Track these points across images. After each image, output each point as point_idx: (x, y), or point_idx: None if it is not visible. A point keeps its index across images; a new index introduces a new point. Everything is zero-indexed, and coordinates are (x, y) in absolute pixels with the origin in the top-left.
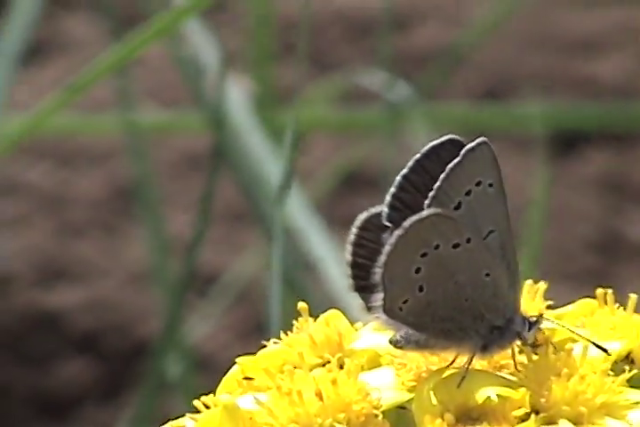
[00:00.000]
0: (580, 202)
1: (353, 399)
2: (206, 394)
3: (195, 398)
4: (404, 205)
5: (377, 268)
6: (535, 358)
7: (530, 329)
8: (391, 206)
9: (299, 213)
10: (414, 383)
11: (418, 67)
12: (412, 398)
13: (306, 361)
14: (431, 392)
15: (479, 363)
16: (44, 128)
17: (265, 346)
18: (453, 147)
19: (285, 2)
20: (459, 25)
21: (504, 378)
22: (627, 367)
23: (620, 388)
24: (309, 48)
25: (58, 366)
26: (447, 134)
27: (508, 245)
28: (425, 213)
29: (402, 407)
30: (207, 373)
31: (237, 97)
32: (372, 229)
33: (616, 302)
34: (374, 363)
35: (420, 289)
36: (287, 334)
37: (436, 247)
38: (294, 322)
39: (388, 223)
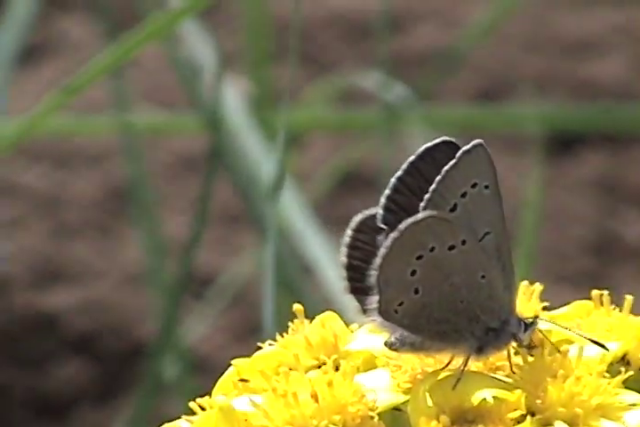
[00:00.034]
0: (576, 203)
1: (348, 401)
2: (202, 396)
3: (191, 399)
4: (398, 208)
5: (372, 270)
6: (531, 359)
7: (525, 331)
8: (386, 208)
9: (295, 213)
10: (410, 385)
11: (415, 68)
12: (408, 400)
13: (301, 363)
14: (427, 394)
15: (475, 365)
16: (39, 129)
17: (261, 348)
18: (448, 149)
19: (283, 3)
20: (456, 26)
21: (500, 380)
22: (622, 369)
23: (615, 389)
24: (308, 49)
25: (54, 367)
26: (442, 136)
27: (503, 246)
28: (420, 215)
29: (397, 409)
30: (203, 374)
31: (234, 98)
32: (367, 231)
33: (612, 303)
34: (370, 365)
35: (416, 291)
36: (283, 336)
37: (432, 250)
38: (290, 324)
39: (383, 225)
